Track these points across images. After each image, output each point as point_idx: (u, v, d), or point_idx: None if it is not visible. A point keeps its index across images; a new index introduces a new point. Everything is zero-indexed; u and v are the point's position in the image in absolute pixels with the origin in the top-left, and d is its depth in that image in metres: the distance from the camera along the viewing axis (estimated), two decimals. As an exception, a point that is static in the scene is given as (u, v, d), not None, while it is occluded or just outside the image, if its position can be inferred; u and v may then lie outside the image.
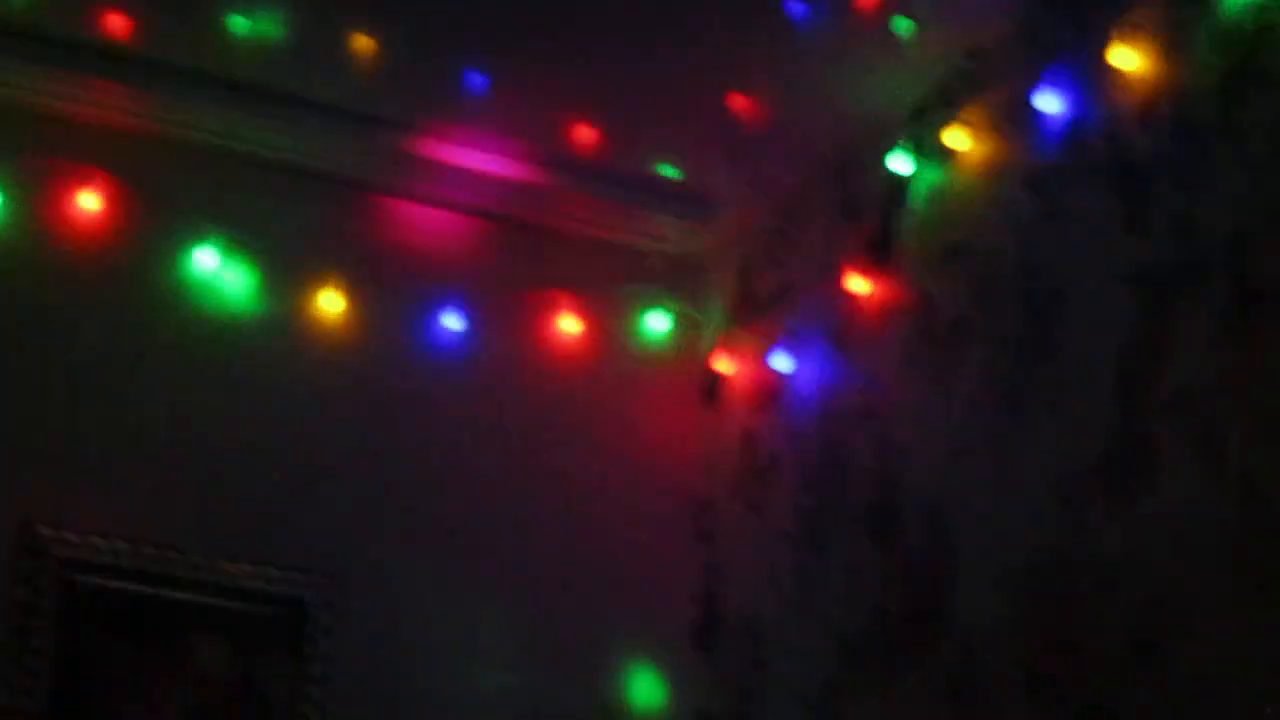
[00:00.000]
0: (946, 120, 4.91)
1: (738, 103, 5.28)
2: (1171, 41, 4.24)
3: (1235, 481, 3.76)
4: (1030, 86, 4.61)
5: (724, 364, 5.72)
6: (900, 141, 5.05)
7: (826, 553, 5.12)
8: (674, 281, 5.90)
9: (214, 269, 5.32)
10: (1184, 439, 3.92)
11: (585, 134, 5.45)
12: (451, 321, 5.57)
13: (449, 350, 5.57)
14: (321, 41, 5.09)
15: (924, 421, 4.80)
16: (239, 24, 5.02)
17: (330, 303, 5.42)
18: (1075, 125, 4.49)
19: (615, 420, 5.72)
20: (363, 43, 5.09)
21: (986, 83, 4.83)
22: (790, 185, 5.54)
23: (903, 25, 4.85)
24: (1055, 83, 4.55)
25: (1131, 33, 4.35)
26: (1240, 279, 3.88)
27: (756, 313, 5.68)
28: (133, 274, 5.27)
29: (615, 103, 5.35)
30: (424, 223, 5.64)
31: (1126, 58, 4.34)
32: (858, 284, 5.16)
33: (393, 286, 5.52)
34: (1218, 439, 3.83)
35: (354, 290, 5.45)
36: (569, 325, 5.72)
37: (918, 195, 5.02)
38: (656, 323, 5.85)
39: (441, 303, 5.57)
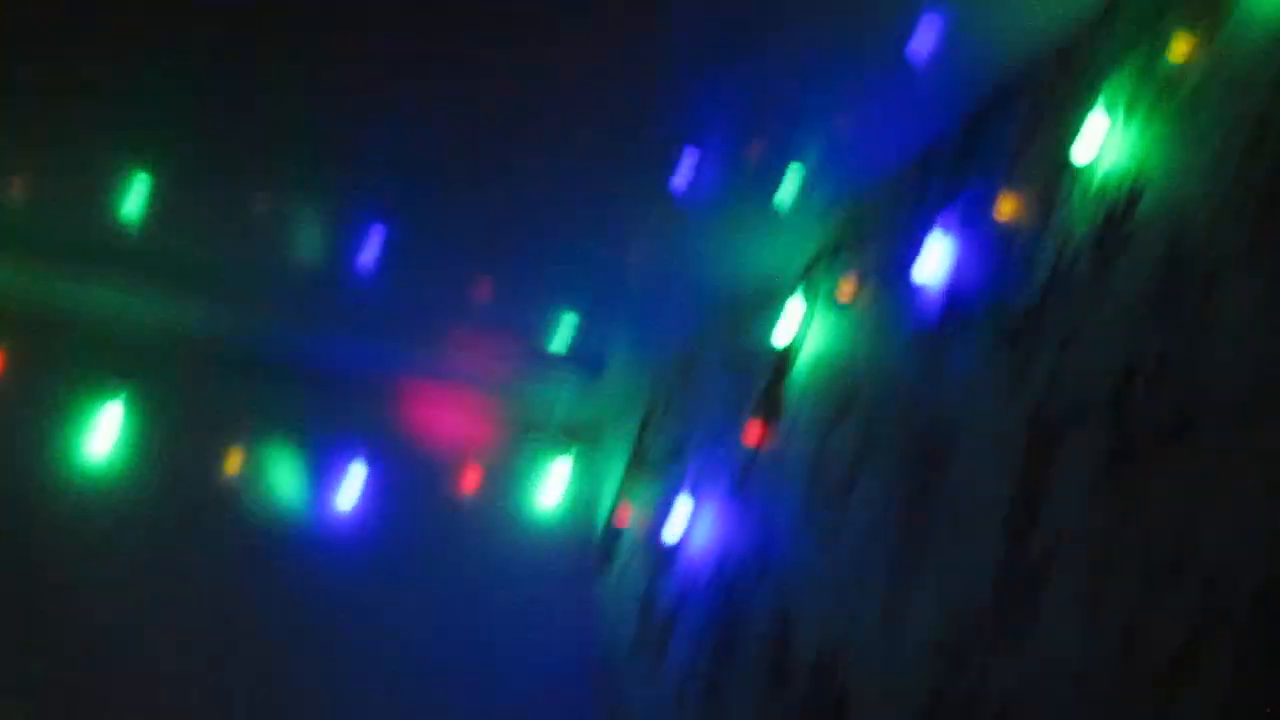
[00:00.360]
0: (834, 279, 5.02)
1: (632, 264, 5.37)
2: (1048, 203, 4.37)
3: (1115, 627, 3.84)
4: (914, 245, 4.74)
5: (620, 518, 5.78)
6: (790, 299, 5.15)
7: (726, 706, 5.14)
8: (572, 439, 5.96)
9: (115, 431, 5.34)
10: (1066, 585, 3.99)
11: (484, 295, 5.53)
12: (352, 480, 5.60)
13: (349, 509, 5.61)
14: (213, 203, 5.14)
15: (816, 573, 4.86)
16: (134, 190, 5.07)
17: (232, 463, 5.43)
18: (957, 281, 4.61)
19: (512, 582, 5.75)
20: (257, 202, 5.15)
21: (872, 241, 4.95)
22: (684, 344, 5.62)
23: (792, 186, 4.97)
24: (938, 240, 4.67)
25: (1010, 194, 4.47)
26: (1118, 429, 3.98)
27: (652, 470, 5.74)
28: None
29: (513, 265, 5.44)
30: (324, 383, 5.69)
31: (1005, 215, 4.47)
32: (751, 441, 5.24)
33: (294, 447, 5.56)
34: (1098, 585, 3.91)
35: (254, 451, 5.48)
36: (468, 482, 5.76)
37: (808, 351, 5.11)
38: (555, 480, 5.91)
39: (342, 462, 5.61)
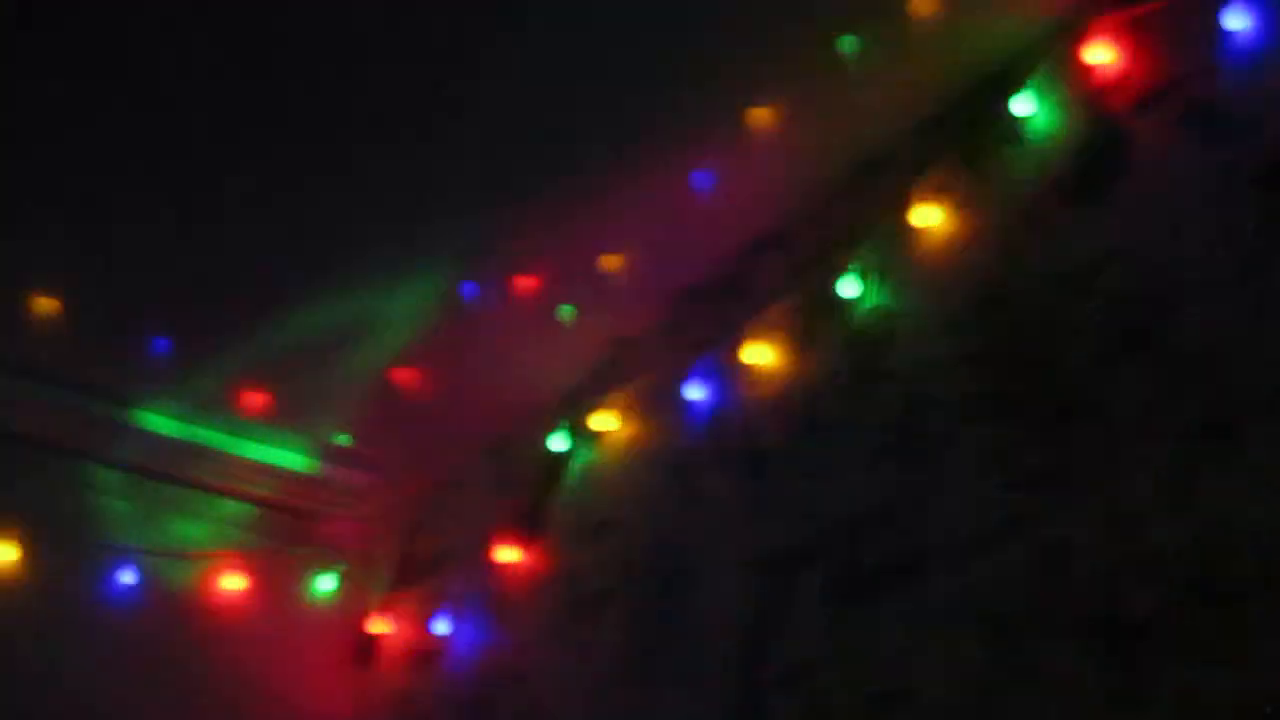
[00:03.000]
0: (598, 404, 5.20)
1: (405, 376, 5.49)
2: (804, 341, 4.60)
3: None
4: (675, 376, 4.94)
5: (381, 625, 5.85)
6: (555, 422, 5.31)
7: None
8: (339, 543, 6.03)
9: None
10: (795, 709, 4.21)
11: (256, 397, 5.61)
12: (125, 577, 5.62)
13: (121, 605, 5.62)
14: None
15: (566, 685, 5.02)
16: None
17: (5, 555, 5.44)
18: (714, 414, 4.82)
19: (273, 678, 5.79)
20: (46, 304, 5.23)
21: (635, 370, 5.13)
22: (453, 457, 5.74)
23: (563, 313, 5.13)
24: (696, 373, 4.88)
25: (767, 331, 4.70)
26: (852, 565, 4.21)
27: (417, 576, 5.83)
28: None
29: (286, 367, 5.51)
30: (95, 480, 5.71)
31: (761, 354, 4.69)
32: (509, 554, 5.38)
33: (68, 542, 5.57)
34: (824, 710, 4.13)
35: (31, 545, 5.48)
36: (235, 583, 5.80)
37: (569, 473, 5.28)
38: (321, 583, 5.96)
39: (117, 559, 5.63)
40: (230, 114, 4.59)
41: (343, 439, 5.84)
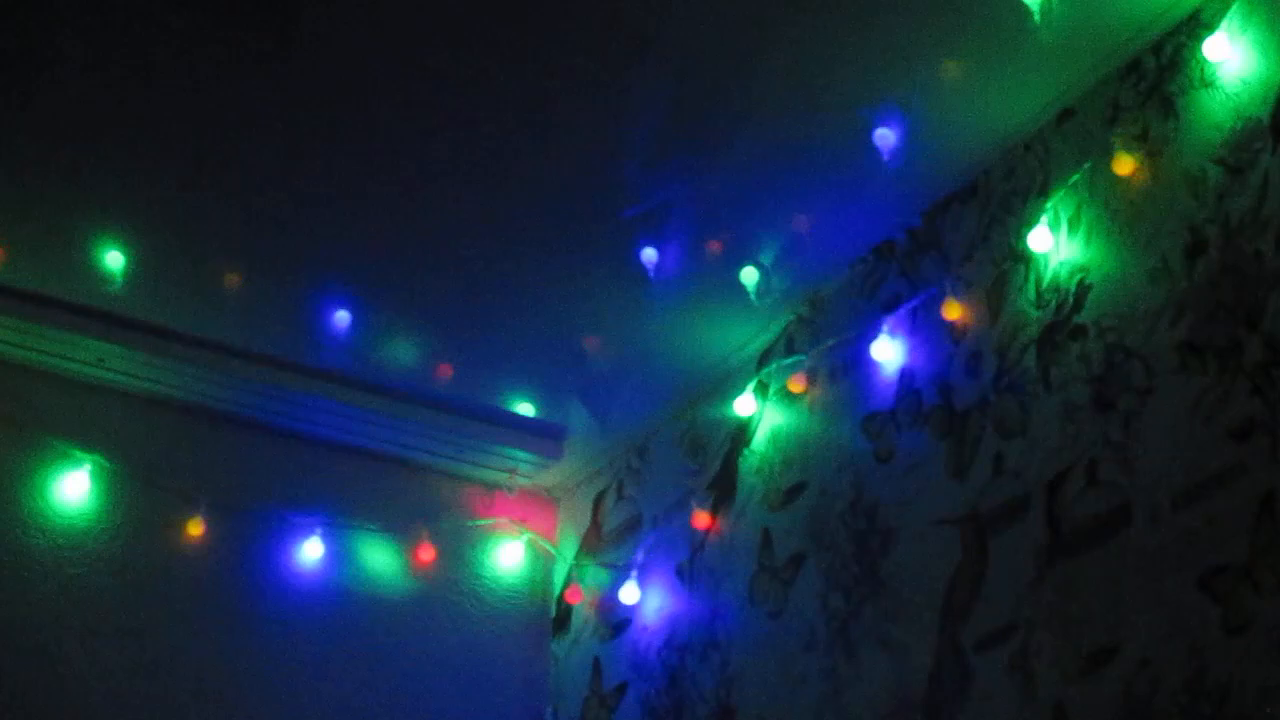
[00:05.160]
0: (789, 366, 5.15)
1: (591, 342, 5.49)
2: (996, 296, 4.52)
3: (1047, 711, 3.99)
4: (866, 335, 4.88)
5: (575, 594, 5.87)
6: (744, 384, 5.28)
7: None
8: (528, 513, 6.06)
9: (83, 495, 5.43)
10: (1000, 670, 4.14)
11: (443, 369, 5.64)
12: (312, 550, 5.68)
13: (308, 579, 5.68)
14: (187, 275, 5.27)
15: (761, 652, 4.99)
16: (109, 257, 5.18)
17: (195, 529, 5.51)
18: (906, 373, 4.76)
19: (467, 649, 5.83)
20: (229, 278, 5.27)
21: (826, 331, 5.09)
22: (640, 423, 5.74)
23: (751, 278, 5.09)
24: (890, 332, 4.82)
25: (960, 287, 4.63)
26: (1054, 521, 4.13)
27: (607, 545, 5.85)
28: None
29: (471, 339, 5.54)
30: (287, 453, 5.77)
31: (955, 310, 4.62)
32: (702, 520, 5.36)
33: (256, 514, 5.64)
34: (1029, 672, 4.06)
35: (217, 518, 5.55)
36: (425, 555, 5.83)
37: (760, 436, 5.25)
38: (510, 554, 6.00)
39: (302, 532, 5.69)
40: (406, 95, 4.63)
41: (529, 407, 5.86)
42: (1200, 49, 4.10)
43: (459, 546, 5.95)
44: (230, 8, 4.43)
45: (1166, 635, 3.77)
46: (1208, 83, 4.08)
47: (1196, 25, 4.14)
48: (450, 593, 5.90)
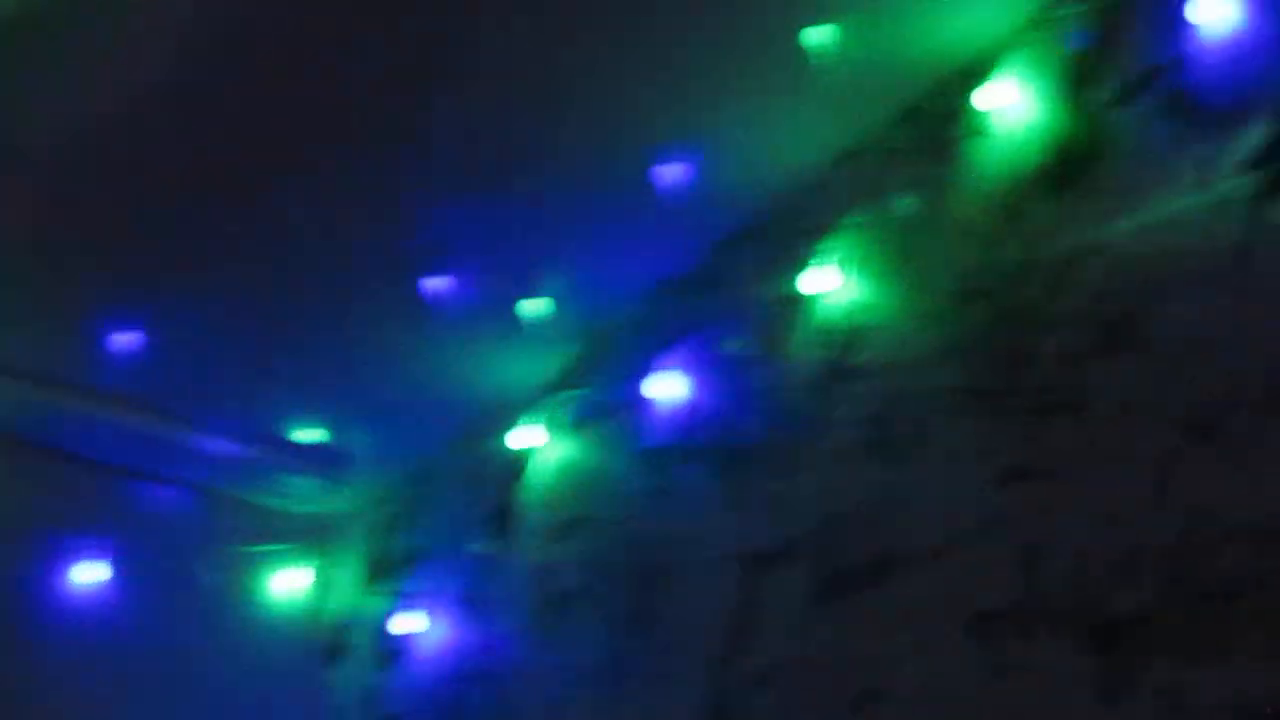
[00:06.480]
0: (570, 399, 5.16)
1: (378, 368, 5.46)
2: (776, 336, 4.57)
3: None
4: (648, 371, 4.91)
5: (353, 623, 5.83)
6: (527, 417, 5.28)
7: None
8: (308, 540, 6.01)
9: None
10: (769, 708, 4.18)
11: (224, 395, 5.57)
12: (85, 574, 5.58)
13: (81, 605, 5.59)
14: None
15: (538, 684, 4.99)
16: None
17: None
18: (686, 409, 4.78)
19: (243, 677, 5.77)
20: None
21: (608, 365, 5.10)
22: (424, 452, 5.71)
23: (536, 307, 5.10)
24: (671, 369, 4.85)
25: (741, 326, 4.67)
26: (826, 563, 4.18)
27: (387, 574, 5.82)
28: None
29: (259, 364, 5.48)
30: (60, 475, 5.68)
31: (737, 347, 4.66)
32: (482, 550, 5.35)
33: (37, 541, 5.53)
34: (797, 710, 4.10)
35: None
36: (202, 581, 5.75)
37: (541, 469, 5.25)
38: (289, 580, 5.94)
39: (74, 556, 5.58)
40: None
41: (313, 433, 5.81)
42: (975, 98, 4.18)
43: (237, 573, 5.89)
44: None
45: (935, 680, 3.82)
46: (984, 131, 4.16)
47: (973, 75, 4.22)
48: (226, 619, 5.83)
